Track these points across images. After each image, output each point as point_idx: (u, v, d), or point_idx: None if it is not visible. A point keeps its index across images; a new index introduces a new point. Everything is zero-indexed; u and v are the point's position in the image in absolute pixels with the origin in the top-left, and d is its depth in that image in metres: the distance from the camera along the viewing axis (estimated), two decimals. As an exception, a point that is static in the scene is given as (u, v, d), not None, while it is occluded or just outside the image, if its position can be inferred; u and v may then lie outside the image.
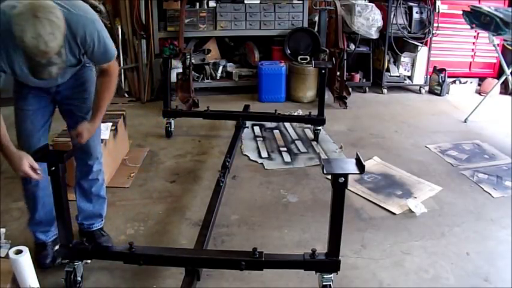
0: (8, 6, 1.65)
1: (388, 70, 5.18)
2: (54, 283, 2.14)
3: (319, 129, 3.85)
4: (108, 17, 4.59)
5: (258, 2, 4.76)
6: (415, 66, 5.17)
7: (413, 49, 5.09)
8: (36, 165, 1.88)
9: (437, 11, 4.91)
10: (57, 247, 2.29)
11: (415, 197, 2.97)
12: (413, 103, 4.94)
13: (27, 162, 1.85)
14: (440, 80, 5.13)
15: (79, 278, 2.07)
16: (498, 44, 4.33)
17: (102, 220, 2.47)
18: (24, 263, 1.94)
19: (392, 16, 4.87)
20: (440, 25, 4.94)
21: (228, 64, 5.13)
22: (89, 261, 2.19)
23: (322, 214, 2.64)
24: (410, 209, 2.81)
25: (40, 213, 2.21)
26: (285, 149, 3.70)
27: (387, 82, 5.18)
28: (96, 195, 2.36)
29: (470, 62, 5.38)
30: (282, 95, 4.86)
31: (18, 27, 1.54)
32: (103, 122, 3.13)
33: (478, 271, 2.29)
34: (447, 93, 5.20)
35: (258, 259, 1.98)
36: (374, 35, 4.87)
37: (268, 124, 4.17)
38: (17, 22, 1.55)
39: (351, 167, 1.81)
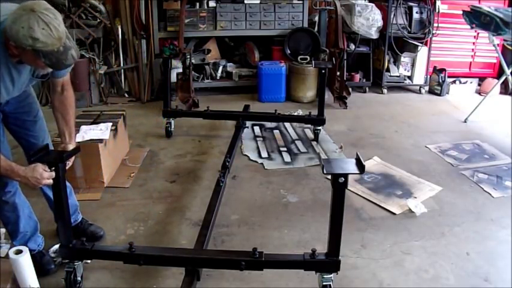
0: None
1: (388, 70, 5.18)
2: (54, 283, 2.14)
3: (319, 129, 3.85)
4: (108, 17, 4.59)
5: (258, 2, 4.76)
6: (415, 66, 5.18)
7: (413, 49, 5.09)
8: (47, 169, 1.85)
9: (437, 11, 4.92)
10: (52, 249, 2.30)
11: (415, 197, 2.97)
12: (413, 103, 4.94)
13: (41, 171, 1.82)
14: (440, 80, 5.13)
15: (79, 278, 2.08)
16: (498, 44, 4.33)
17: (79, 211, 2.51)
18: (24, 263, 1.94)
19: (392, 16, 4.88)
20: (440, 25, 4.95)
21: (228, 64, 5.14)
22: (89, 261, 2.20)
23: (322, 214, 2.64)
24: (410, 209, 2.81)
25: (23, 221, 2.16)
26: (285, 149, 3.70)
27: (387, 82, 5.18)
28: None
29: (470, 62, 5.38)
30: (282, 95, 4.86)
31: (23, 28, 1.55)
32: (103, 122, 3.19)
33: (478, 271, 2.29)
34: (447, 93, 5.20)
35: (258, 259, 1.98)
36: (374, 35, 4.87)
37: (268, 124, 4.17)
38: (19, 26, 1.56)
39: (351, 167, 1.81)
